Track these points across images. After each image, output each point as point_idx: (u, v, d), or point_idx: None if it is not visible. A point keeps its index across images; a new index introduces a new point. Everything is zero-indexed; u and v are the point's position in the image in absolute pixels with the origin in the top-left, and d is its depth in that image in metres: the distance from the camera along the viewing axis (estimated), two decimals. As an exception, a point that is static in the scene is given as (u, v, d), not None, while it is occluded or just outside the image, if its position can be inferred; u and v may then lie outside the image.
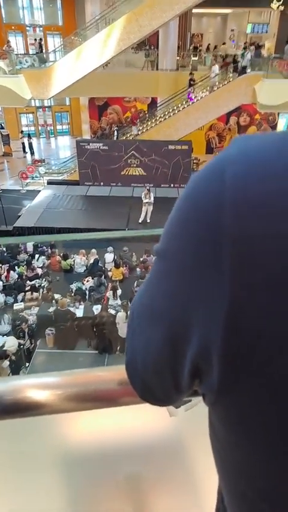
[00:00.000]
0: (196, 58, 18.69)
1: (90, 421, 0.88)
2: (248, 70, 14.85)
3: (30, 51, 18.83)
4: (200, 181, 0.35)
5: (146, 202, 11.41)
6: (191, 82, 15.63)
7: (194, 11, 19.13)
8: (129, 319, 0.47)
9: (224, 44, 20.59)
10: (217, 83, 15.21)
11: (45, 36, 20.83)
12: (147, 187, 11.68)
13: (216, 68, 15.37)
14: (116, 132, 16.65)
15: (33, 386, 0.71)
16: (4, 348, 6.03)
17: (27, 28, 21.11)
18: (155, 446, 0.93)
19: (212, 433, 0.44)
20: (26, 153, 20.00)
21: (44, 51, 16.85)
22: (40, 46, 17.32)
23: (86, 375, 0.75)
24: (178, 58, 17.82)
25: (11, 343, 6.20)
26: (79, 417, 0.84)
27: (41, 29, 21.31)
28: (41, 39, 18.41)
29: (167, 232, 0.38)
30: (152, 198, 11.31)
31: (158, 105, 17.36)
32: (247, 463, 0.39)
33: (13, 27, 20.65)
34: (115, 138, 16.43)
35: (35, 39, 18.37)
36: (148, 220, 11.42)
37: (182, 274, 0.36)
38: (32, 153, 20.07)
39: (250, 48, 16.12)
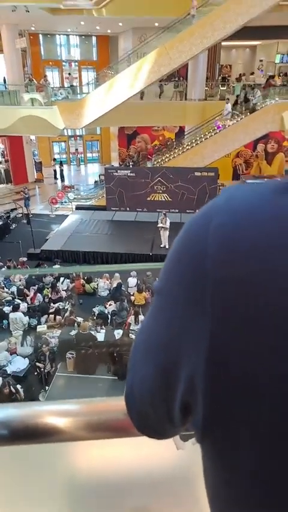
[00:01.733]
0: (224, 88, 19.16)
1: (97, 451, 0.88)
2: (259, 107, 15.26)
3: (65, 85, 19.89)
4: (191, 227, 0.39)
5: (162, 227, 11.51)
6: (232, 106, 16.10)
7: (223, 43, 19.70)
8: (131, 353, 0.49)
9: (252, 73, 21.07)
10: (229, 121, 15.55)
11: (79, 71, 21.98)
12: (164, 212, 11.82)
13: (228, 106, 15.79)
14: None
15: (45, 413, 0.72)
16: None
17: (64, 63, 22.42)
18: (162, 479, 0.91)
19: (203, 469, 0.45)
20: (57, 179, 20.77)
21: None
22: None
23: (98, 404, 0.75)
24: (206, 88, 18.29)
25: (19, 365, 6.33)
26: (86, 446, 0.84)
27: (76, 63, 22.57)
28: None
29: (164, 271, 0.41)
30: (168, 224, 11.36)
31: (185, 133, 17.73)
32: (232, 502, 0.39)
33: (50, 63, 22.02)
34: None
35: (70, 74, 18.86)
36: (167, 246, 11.41)
37: (174, 310, 0.39)
38: (63, 180, 20.83)
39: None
